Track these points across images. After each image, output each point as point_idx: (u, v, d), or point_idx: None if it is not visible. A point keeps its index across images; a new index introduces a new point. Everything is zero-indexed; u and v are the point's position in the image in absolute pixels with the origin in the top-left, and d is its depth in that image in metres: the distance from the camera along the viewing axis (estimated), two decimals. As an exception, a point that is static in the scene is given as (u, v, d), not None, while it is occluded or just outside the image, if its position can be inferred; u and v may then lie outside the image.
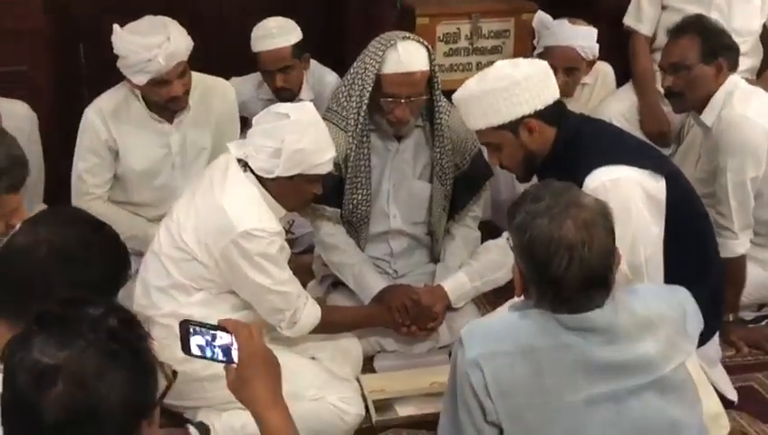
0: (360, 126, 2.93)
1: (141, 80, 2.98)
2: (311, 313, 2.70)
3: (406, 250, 3.23)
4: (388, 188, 3.11)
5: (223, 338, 1.61)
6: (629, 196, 2.43)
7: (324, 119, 2.87)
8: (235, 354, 1.60)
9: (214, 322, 2.52)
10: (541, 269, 1.80)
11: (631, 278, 2.42)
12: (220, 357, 1.61)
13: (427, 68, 2.90)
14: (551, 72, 2.59)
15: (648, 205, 2.47)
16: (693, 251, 2.61)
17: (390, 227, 3.16)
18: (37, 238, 1.71)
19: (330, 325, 2.81)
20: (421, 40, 2.94)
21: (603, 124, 2.79)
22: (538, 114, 2.51)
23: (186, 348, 1.61)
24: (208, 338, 1.61)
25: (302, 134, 2.52)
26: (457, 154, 3.09)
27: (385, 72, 2.87)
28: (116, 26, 3.00)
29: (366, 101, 2.90)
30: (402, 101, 2.88)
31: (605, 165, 2.43)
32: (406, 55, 2.86)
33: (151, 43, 2.92)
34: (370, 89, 2.89)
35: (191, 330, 1.61)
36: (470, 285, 3.05)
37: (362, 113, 2.92)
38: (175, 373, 1.41)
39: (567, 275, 1.77)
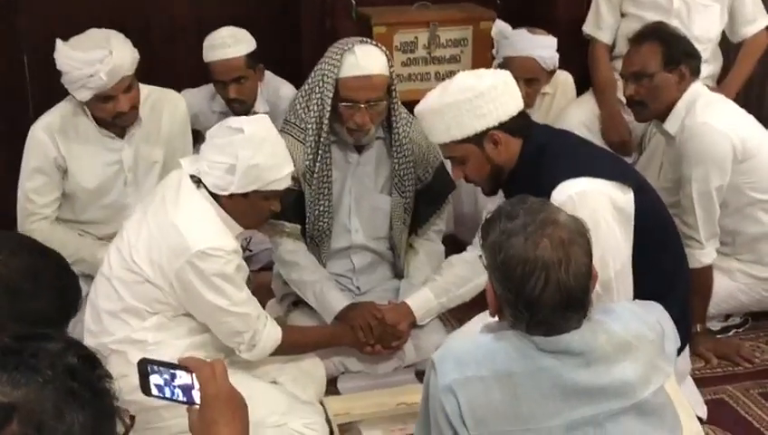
0: (319, 137, 2.85)
1: (85, 96, 2.89)
2: (271, 334, 2.61)
3: (368, 266, 3.15)
4: (349, 202, 3.04)
5: (183, 377, 1.51)
6: (598, 209, 2.38)
7: (282, 132, 2.81)
8: (196, 395, 1.51)
9: (170, 347, 2.48)
10: (516, 290, 1.73)
11: (601, 294, 2.37)
12: (180, 398, 1.52)
13: (386, 73, 2.84)
14: (514, 82, 2.55)
15: (616, 217, 2.43)
16: (662, 263, 2.58)
17: (352, 243, 3.09)
18: None
19: (291, 347, 2.72)
20: (379, 45, 2.89)
21: (570, 135, 2.75)
22: (503, 126, 2.46)
23: (145, 388, 1.52)
24: (167, 377, 1.51)
25: (256, 150, 2.43)
26: (419, 167, 3.02)
27: (343, 77, 2.81)
28: (58, 41, 2.91)
29: (327, 110, 2.83)
30: (362, 105, 2.81)
31: (572, 177, 2.39)
32: (364, 58, 2.80)
33: (93, 59, 2.83)
34: (331, 95, 2.82)
35: (150, 369, 1.51)
36: (435, 302, 2.98)
37: (323, 124, 2.85)
38: (132, 419, 1.32)
39: (543, 297, 1.71)
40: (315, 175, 2.88)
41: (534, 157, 2.48)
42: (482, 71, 2.59)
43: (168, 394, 1.52)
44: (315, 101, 2.85)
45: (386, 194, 3.06)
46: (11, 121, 3.70)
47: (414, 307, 2.95)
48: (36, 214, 3.07)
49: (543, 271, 1.70)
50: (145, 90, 3.09)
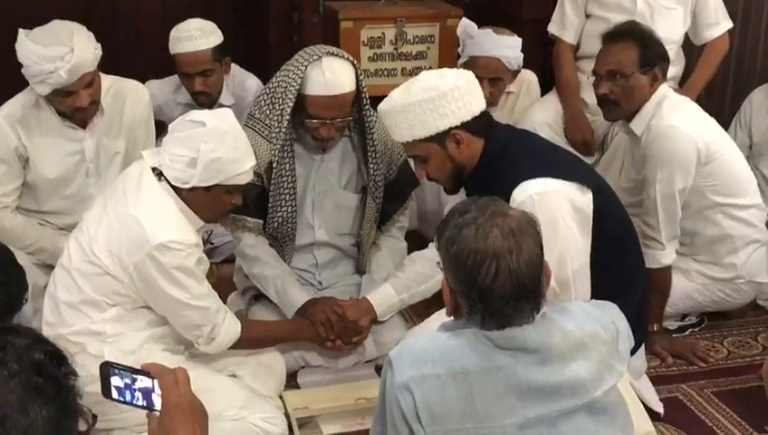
0: (282, 137, 2.84)
1: (44, 90, 2.87)
2: (230, 328, 2.61)
3: (330, 261, 3.16)
4: (312, 198, 3.03)
5: (144, 382, 1.52)
6: (557, 209, 2.40)
7: (246, 126, 2.81)
8: (157, 401, 1.51)
9: (129, 339, 2.47)
10: (468, 280, 1.75)
11: (559, 293, 2.40)
12: (140, 402, 1.52)
13: (353, 87, 2.82)
14: (477, 82, 2.56)
15: (575, 217, 2.45)
16: (619, 263, 2.61)
17: (315, 239, 3.09)
18: None
19: (251, 341, 2.72)
20: (347, 55, 2.84)
21: (531, 136, 2.77)
22: (465, 126, 2.48)
23: (106, 391, 1.52)
24: (129, 381, 1.51)
25: (218, 143, 2.42)
26: (384, 164, 3.03)
27: (309, 94, 2.78)
28: (21, 32, 2.87)
29: (287, 118, 2.82)
30: (327, 122, 2.81)
31: (533, 177, 2.41)
32: (331, 76, 2.76)
33: (54, 55, 2.79)
34: (291, 106, 2.80)
35: (111, 371, 1.52)
36: (397, 298, 2.99)
37: (284, 127, 2.83)
38: (95, 417, 1.32)
39: (495, 285, 1.73)
40: (278, 172, 2.88)
41: (496, 156, 2.49)
42: (445, 70, 2.60)
43: (128, 398, 1.51)
44: (278, 108, 2.83)
45: (350, 191, 3.06)
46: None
47: (375, 303, 2.96)
48: (-4, 203, 3.04)
49: (494, 260, 1.73)
50: (107, 80, 3.06)
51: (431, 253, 2.97)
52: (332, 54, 2.82)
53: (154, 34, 3.91)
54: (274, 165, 2.87)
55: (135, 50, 3.99)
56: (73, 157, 3.08)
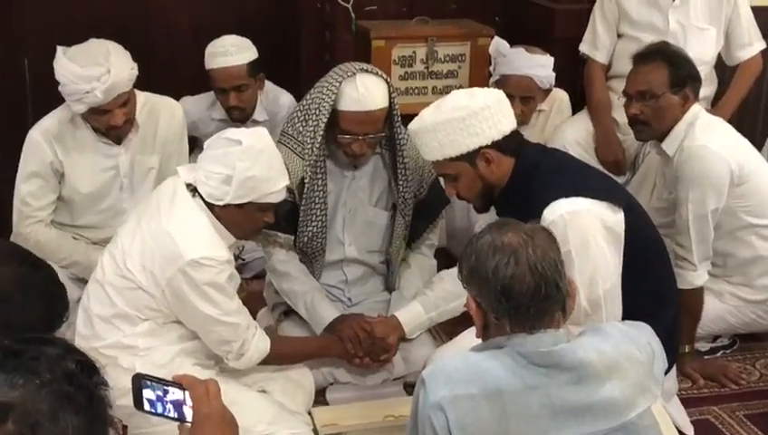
0: (315, 153, 2.86)
1: (80, 109, 2.90)
2: (259, 344, 2.62)
3: (360, 278, 3.16)
4: (343, 215, 3.05)
5: (176, 394, 1.53)
6: (588, 228, 2.40)
7: (279, 143, 2.83)
8: (188, 412, 1.52)
9: (161, 353, 2.49)
10: (492, 281, 1.78)
11: (590, 313, 2.39)
12: (172, 413, 1.53)
13: (386, 104, 2.83)
14: (507, 101, 2.56)
15: (606, 237, 2.44)
16: (650, 283, 2.59)
17: (345, 256, 3.10)
18: None
19: (280, 357, 2.73)
20: (380, 72, 2.86)
21: (562, 155, 2.76)
22: (495, 145, 2.48)
23: (138, 403, 1.53)
24: (160, 393, 1.53)
25: (254, 162, 2.44)
26: (415, 182, 3.04)
27: (342, 110, 2.80)
28: (59, 50, 2.90)
29: (321, 134, 2.84)
30: (360, 138, 2.82)
31: (563, 196, 2.40)
32: (365, 92, 2.78)
33: (90, 76, 2.82)
34: (325, 121, 2.82)
35: (143, 384, 1.53)
36: (425, 316, 2.99)
37: (317, 144, 2.85)
38: (125, 428, 1.33)
39: (517, 279, 1.77)
40: (310, 189, 2.89)
41: (526, 175, 2.49)
42: (475, 90, 2.60)
43: (159, 410, 1.52)
44: (312, 124, 2.85)
45: (381, 208, 3.07)
46: (10, 124, 3.70)
47: (403, 321, 2.96)
48: (32, 217, 3.07)
49: (512, 254, 1.78)
50: (142, 97, 3.09)
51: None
52: (366, 71, 2.83)
53: (187, 52, 3.95)
54: (306, 181, 2.88)
55: (168, 67, 4.03)
56: (108, 172, 3.11)
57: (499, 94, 2.55)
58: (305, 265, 3.03)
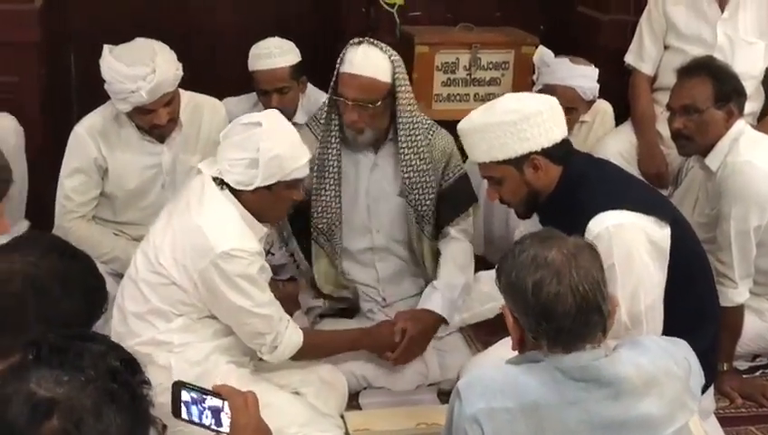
0: (325, 117, 2.91)
1: (125, 108, 2.93)
2: (292, 337, 2.63)
3: (394, 276, 3.15)
4: (366, 202, 3.05)
5: (214, 402, 1.55)
6: (633, 242, 2.37)
7: (306, 125, 2.94)
8: (226, 421, 1.53)
9: (196, 349, 2.49)
10: (531, 301, 1.76)
11: (630, 327, 2.36)
12: (208, 421, 1.54)
13: (381, 78, 2.84)
14: (560, 109, 2.54)
15: (651, 252, 2.41)
16: (692, 298, 2.55)
17: (374, 244, 3.10)
18: (12, 268, 1.65)
19: (312, 350, 2.74)
20: (388, 49, 2.89)
21: (610, 166, 2.73)
22: (544, 152, 2.45)
23: (176, 411, 1.55)
24: (199, 401, 1.55)
25: (275, 141, 2.48)
26: (436, 172, 3.01)
27: (341, 71, 2.86)
28: (105, 48, 2.94)
29: (329, 95, 2.90)
30: (348, 102, 2.83)
31: (610, 209, 2.37)
32: (362, 58, 2.83)
33: (136, 75, 2.85)
34: (333, 85, 2.88)
35: (183, 391, 1.54)
36: (456, 294, 2.98)
37: (326, 108, 2.91)
38: (165, 427, 1.33)
39: (558, 301, 1.74)
40: (319, 158, 2.91)
41: (574, 185, 2.46)
42: (527, 94, 2.59)
43: (196, 417, 1.55)
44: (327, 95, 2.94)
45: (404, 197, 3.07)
46: (55, 121, 3.75)
47: (437, 309, 2.94)
48: (73, 212, 3.11)
49: (555, 276, 1.75)
50: (185, 96, 3.12)
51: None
52: (373, 44, 2.88)
53: (229, 53, 3.98)
54: (317, 153, 2.90)
55: (210, 68, 4.06)
56: (151, 170, 3.14)
57: (553, 101, 2.53)
58: (324, 249, 3.03)
